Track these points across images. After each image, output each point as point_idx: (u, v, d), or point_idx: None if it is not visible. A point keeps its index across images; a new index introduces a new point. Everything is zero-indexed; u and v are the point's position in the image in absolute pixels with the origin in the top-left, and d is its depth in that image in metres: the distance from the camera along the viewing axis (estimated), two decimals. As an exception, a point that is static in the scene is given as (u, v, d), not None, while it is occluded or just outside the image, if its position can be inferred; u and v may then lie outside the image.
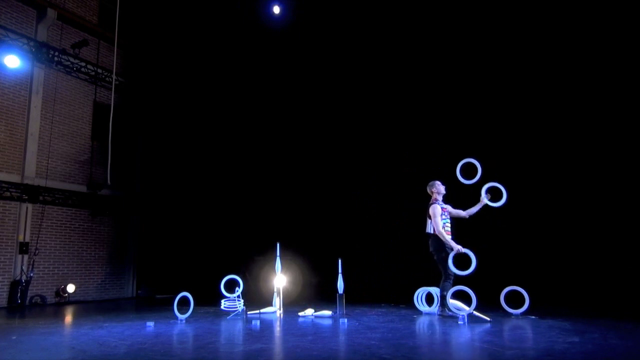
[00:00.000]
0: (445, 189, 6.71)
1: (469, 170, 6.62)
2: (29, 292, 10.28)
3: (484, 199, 6.51)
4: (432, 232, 6.52)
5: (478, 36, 8.83)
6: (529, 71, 8.38)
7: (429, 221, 6.58)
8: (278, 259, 7.61)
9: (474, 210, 6.64)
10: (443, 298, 6.32)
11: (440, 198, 6.66)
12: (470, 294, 5.84)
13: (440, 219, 6.42)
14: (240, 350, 4.59)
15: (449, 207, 6.67)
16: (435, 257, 6.51)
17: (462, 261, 6.19)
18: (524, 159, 8.23)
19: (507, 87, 8.54)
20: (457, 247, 6.22)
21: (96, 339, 5.19)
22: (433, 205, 6.54)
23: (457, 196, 6.87)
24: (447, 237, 6.38)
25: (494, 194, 6.55)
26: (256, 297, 8.87)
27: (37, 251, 10.58)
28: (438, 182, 6.73)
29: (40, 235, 10.70)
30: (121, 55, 12.04)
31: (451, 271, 6.27)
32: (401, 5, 9.71)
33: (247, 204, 11.17)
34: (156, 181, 12.68)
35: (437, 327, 5.74)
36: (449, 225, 6.56)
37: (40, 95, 11.06)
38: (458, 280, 6.30)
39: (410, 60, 9.66)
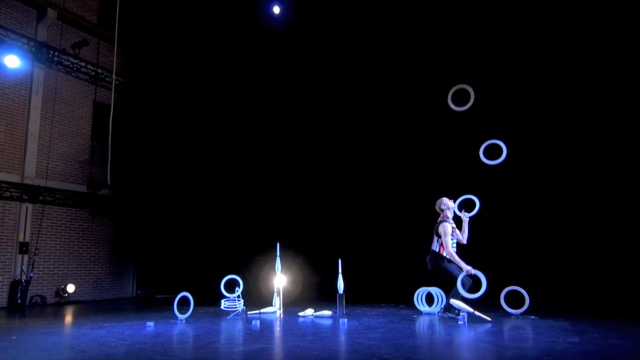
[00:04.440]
0: (454, 202, 6.58)
1: (492, 152, 6.66)
2: (29, 292, 10.27)
3: (464, 217, 6.49)
4: (437, 250, 6.37)
5: (477, 36, 8.83)
6: (529, 73, 8.38)
7: (435, 238, 6.43)
8: (278, 259, 7.61)
9: (465, 234, 6.55)
10: (454, 297, 6.21)
11: (450, 215, 6.50)
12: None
13: (450, 239, 6.26)
14: (240, 350, 4.59)
15: (456, 230, 6.50)
16: (437, 274, 6.42)
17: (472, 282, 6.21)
18: (524, 160, 8.23)
19: (506, 87, 8.54)
20: (468, 268, 6.05)
21: (96, 339, 5.19)
22: (444, 224, 6.34)
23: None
24: (457, 258, 6.20)
25: (467, 206, 6.55)
26: (256, 297, 8.87)
27: (37, 251, 10.57)
28: (445, 199, 6.56)
29: (40, 235, 10.70)
30: (121, 55, 12.03)
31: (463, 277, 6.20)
32: (400, 5, 9.70)
33: (247, 204, 11.16)
34: (156, 181, 12.67)
35: (437, 327, 5.74)
36: (456, 245, 6.42)
37: (40, 95, 11.06)
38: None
39: (411, 60, 9.66)
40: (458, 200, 6.59)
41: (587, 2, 7.80)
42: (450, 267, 6.25)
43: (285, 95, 11.28)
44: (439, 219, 6.53)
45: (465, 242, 6.58)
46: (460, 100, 6.74)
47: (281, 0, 10.68)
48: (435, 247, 6.44)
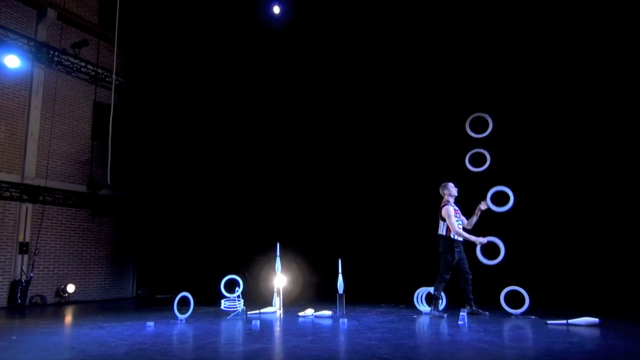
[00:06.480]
0: (458, 191, 6.75)
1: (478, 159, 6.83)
2: (29, 292, 10.27)
3: (488, 204, 6.56)
4: (444, 233, 6.54)
5: (478, 36, 8.82)
6: (530, 73, 8.37)
7: (441, 223, 6.60)
8: (278, 259, 7.62)
9: (474, 219, 6.74)
10: (436, 299, 6.43)
11: (452, 200, 6.68)
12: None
13: (455, 219, 6.45)
14: (240, 350, 4.59)
15: (459, 213, 6.70)
16: (441, 257, 6.55)
17: (489, 251, 6.44)
18: (524, 160, 8.22)
19: (506, 87, 8.53)
20: (480, 239, 6.40)
21: (96, 339, 5.19)
22: (446, 207, 6.57)
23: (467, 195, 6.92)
24: (466, 235, 6.47)
25: (499, 199, 6.61)
26: (256, 297, 8.87)
27: (37, 251, 10.57)
28: (450, 184, 6.76)
29: (40, 235, 10.69)
30: (121, 55, 12.03)
31: (447, 275, 6.43)
32: (400, 4, 9.70)
33: (247, 204, 11.16)
34: (156, 181, 12.66)
35: (437, 327, 5.74)
36: (462, 226, 6.61)
37: (40, 95, 11.06)
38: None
39: (411, 60, 9.65)
40: (491, 192, 6.63)
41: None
42: (445, 260, 6.43)
43: (286, 96, 11.27)
44: (442, 203, 6.68)
45: (470, 227, 6.75)
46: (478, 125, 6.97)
47: (281, 0, 10.67)
48: (442, 231, 6.60)
